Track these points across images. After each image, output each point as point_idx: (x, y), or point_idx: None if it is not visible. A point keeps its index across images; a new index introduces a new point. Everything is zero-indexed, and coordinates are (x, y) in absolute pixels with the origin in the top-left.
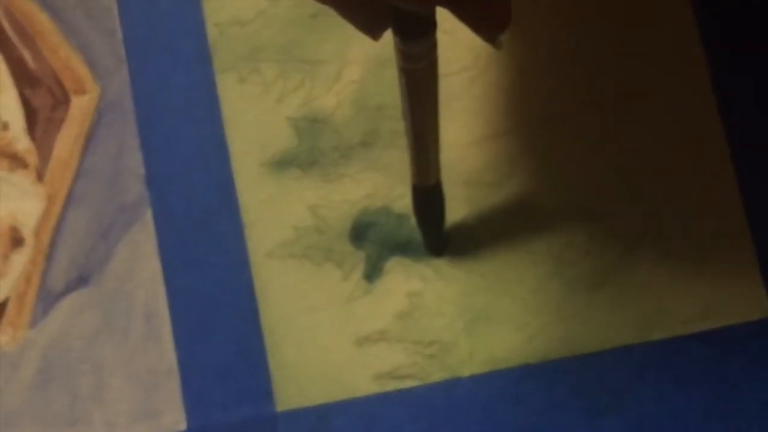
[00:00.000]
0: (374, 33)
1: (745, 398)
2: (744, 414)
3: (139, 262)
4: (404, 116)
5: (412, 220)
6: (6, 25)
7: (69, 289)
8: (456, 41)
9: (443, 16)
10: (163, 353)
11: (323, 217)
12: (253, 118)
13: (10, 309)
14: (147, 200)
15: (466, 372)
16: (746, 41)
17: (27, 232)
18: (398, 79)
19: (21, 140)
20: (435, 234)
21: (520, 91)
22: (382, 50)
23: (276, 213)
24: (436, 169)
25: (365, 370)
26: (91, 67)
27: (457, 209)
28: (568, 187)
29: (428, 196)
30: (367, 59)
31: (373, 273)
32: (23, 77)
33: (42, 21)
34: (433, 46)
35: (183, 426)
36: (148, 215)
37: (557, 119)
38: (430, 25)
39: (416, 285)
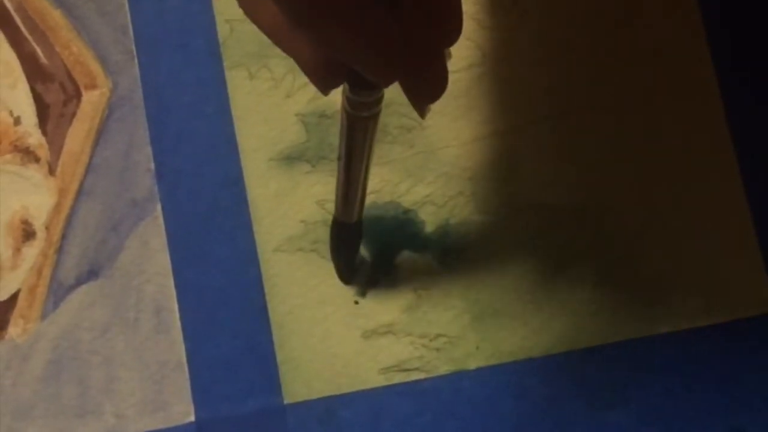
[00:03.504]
0: (326, 89)
1: (749, 392)
2: (748, 408)
3: (149, 256)
4: (338, 155)
5: (420, 214)
6: (18, 21)
7: (79, 282)
8: (463, 39)
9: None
10: (173, 346)
11: (331, 211)
12: (263, 114)
13: (21, 301)
14: (157, 195)
15: (472, 365)
16: (753, 40)
17: (38, 226)
18: (340, 120)
19: (33, 135)
20: (345, 265)
21: (526, 89)
22: None
23: (285, 208)
24: (359, 210)
25: (372, 363)
26: (103, 62)
27: (462, 205)
28: (573, 183)
29: (346, 232)
30: None
31: (380, 267)
32: (35, 72)
33: (54, 17)
34: (381, 97)
35: (191, 418)
36: (158, 210)
37: (562, 117)
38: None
39: (423, 279)
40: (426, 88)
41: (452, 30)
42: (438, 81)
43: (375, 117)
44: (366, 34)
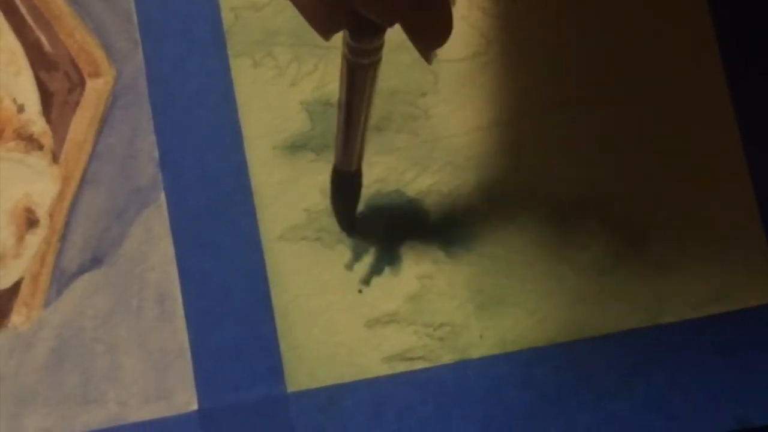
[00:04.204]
0: (327, 34)
1: (756, 382)
2: (753, 397)
3: (153, 244)
4: (339, 103)
5: (425, 203)
6: (23, 9)
7: (83, 269)
8: (468, 27)
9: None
10: (176, 334)
11: None
12: (267, 102)
13: (24, 289)
14: (160, 183)
15: (476, 354)
16: (760, 27)
17: (42, 213)
18: (341, 67)
19: (36, 122)
20: (346, 215)
21: (531, 77)
22: (396, 35)
23: (289, 196)
24: (359, 159)
25: (376, 352)
26: (107, 50)
27: (467, 194)
28: (579, 172)
29: (347, 181)
30: None
31: (384, 256)
32: (39, 60)
33: (58, 4)
34: (381, 45)
35: (195, 406)
36: (162, 198)
37: (568, 106)
38: (383, 27)
39: (427, 268)
40: (430, 31)
41: None
42: (443, 23)
43: (375, 64)
44: None
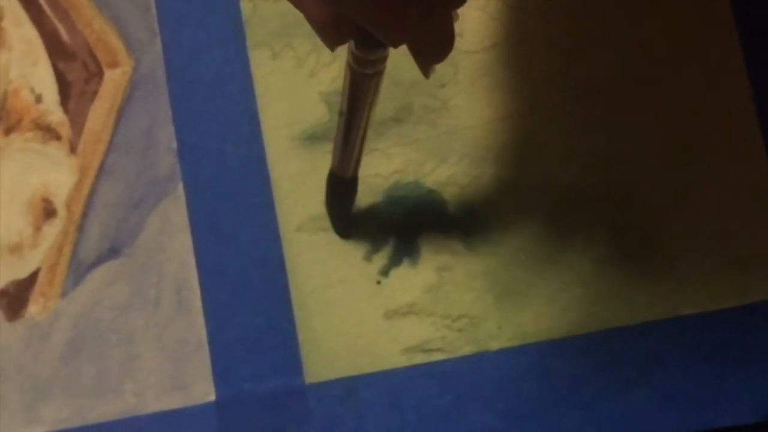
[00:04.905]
0: (334, 45)
1: None
2: None
3: (170, 235)
4: (340, 110)
5: (443, 194)
6: None
7: (100, 260)
8: (488, 18)
9: None
10: (193, 325)
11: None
12: (285, 93)
13: (42, 279)
14: (178, 173)
15: (494, 346)
16: None
17: (59, 204)
18: (344, 76)
19: (54, 113)
20: (340, 219)
21: (551, 68)
22: None
23: (307, 187)
24: (356, 166)
25: (394, 344)
26: (125, 40)
27: (486, 185)
28: (598, 163)
29: (343, 186)
30: None
31: (403, 247)
32: (57, 50)
33: None
34: (386, 56)
35: (212, 397)
36: (180, 188)
37: (587, 96)
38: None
39: (446, 259)
40: (432, 49)
41: None
42: (445, 41)
43: (379, 75)
44: None
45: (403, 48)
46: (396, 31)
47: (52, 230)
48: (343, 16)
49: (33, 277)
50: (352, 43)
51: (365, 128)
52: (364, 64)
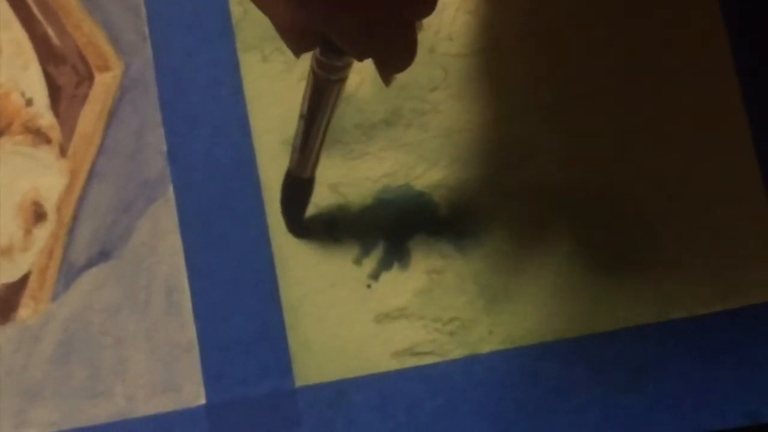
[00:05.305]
0: (299, 52)
1: (765, 378)
2: (763, 393)
3: (161, 238)
4: (301, 112)
5: (434, 198)
6: (30, 2)
7: (90, 263)
8: (479, 21)
9: None
10: (184, 328)
11: (344, 194)
12: (276, 97)
13: (32, 283)
14: (169, 176)
15: (485, 349)
16: None
17: (49, 207)
18: (307, 79)
19: (44, 116)
20: (295, 219)
21: (542, 71)
22: None
23: None
24: (313, 167)
25: (384, 347)
26: (115, 44)
27: (477, 188)
28: (589, 167)
29: (299, 186)
30: None
31: (393, 251)
32: (47, 54)
33: None
34: (350, 63)
35: (202, 400)
36: (170, 191)
37: (579, 100)
38: None
39: (437, 262)
40: (395, 59)
41: (427, 3)
42: (408, 52)
43: (342, 81)
44: (347, 7)
45: None
46: (362, 45)
47: (42, 233)
48: (310, 24)
49: (23, 281)
50: (317, 49)
51: (325, 130)
52: (328, 70)
